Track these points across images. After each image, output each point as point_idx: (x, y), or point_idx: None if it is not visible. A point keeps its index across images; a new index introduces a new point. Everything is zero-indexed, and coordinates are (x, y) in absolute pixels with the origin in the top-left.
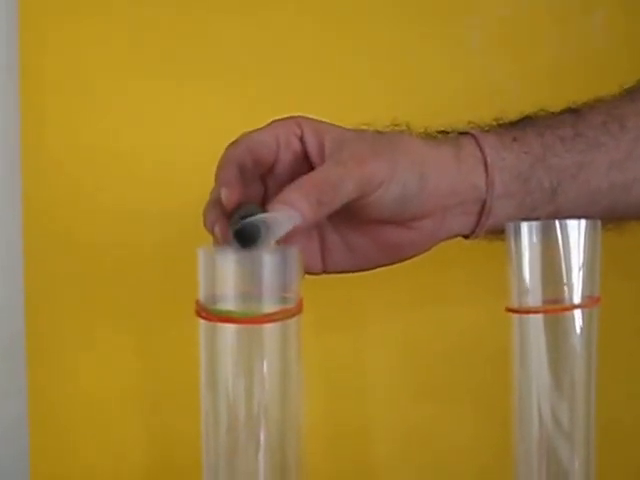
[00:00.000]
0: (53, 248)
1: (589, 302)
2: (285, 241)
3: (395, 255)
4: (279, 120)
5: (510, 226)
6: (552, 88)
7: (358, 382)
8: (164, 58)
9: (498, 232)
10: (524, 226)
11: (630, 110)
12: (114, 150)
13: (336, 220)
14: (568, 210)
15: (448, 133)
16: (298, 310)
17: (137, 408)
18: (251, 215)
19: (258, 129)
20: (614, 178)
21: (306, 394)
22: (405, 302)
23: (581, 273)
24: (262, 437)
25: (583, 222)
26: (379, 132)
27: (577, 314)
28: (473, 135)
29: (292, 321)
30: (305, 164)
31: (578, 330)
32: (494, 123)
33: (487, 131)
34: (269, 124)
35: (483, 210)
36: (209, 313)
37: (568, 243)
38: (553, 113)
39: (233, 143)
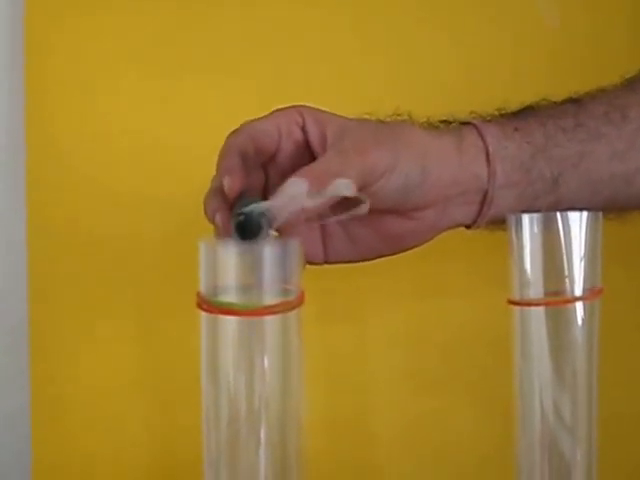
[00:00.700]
0: (55, 241)
1: (591, 294)
2: (286, 231)
3: (396, 245)
4: (281, 109)
5: (511, 218)
6: (553, 78)
7: (359, 374)
8: (166, 51)
9: (499, 222)
10: (525, 218)
11: (632, 100)
12: (116, 143)
13: (337, 210)
14: (569, 200)
15: (450, 123)
16: (299, 302)
17: (138, 400)
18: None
19: (260, 118)
20: (615, 168)
21: (307, 386)
22: (406, 294)
23: (582, 265)
24: (263, 429)
25: (584, 214)
26: (381, 122)
27: (579, 306)
28: (475, 125)
29: (293, 313)
30: (307, 153)
31: (580, 322)
32: (496, 113)
33: (489, 121)
34: (271, 113)
35: (485, 200)
36: (210, 305)
37: (569, 235)
38: (555, 103)
39: (235, 132)
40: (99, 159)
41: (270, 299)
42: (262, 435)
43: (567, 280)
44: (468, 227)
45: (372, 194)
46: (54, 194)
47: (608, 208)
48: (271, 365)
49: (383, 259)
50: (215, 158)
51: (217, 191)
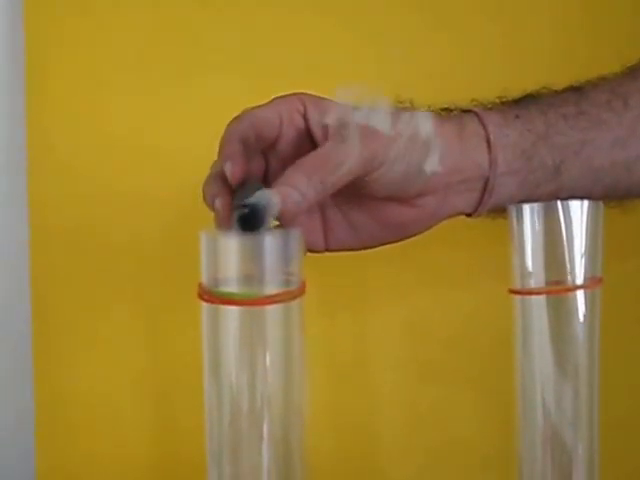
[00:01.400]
0: (57, 241)
1: (591, 283)
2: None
3: (398, 233)
4: (282, 96)
5: (512, 208)
6: (554, 67)
7: (360, 366)
8: (166, 52)
9: (501, 210)
10: (526, 208)
11: (634, 88)
12: (117, 142)
13: (338, 198)
14: (571, 188)
15: (451, 111)
16: (300, 292)
17: (142, 399)
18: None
19: (261, 105)
20: (617, 156)
21: (308, 379)
22: (408, 286)
23: (583, 254)
24: (265, 422)
25: (585, 203)
26: None
27: (579, 295)
28: (476, 113)
29: (295, 303)
30: (307, 140)
31: (581, 311)
32: (497, 101)
33: (490, 109)
34: (272, 100)
35: (486, 188)
36: (211, 295)
37: (570, 224)
38: (556, 91)
39: (236, 118)
40: (100, 158)
41: (271, 289)
42: (265, 428)
43: (568, 269)
44: (469, 215)
45: (373, 181)
46: (55, 193)
47: (609, 196)
48: (273, 356)
49: (384, 250)
50: (214, 156)
51: (217, 176)
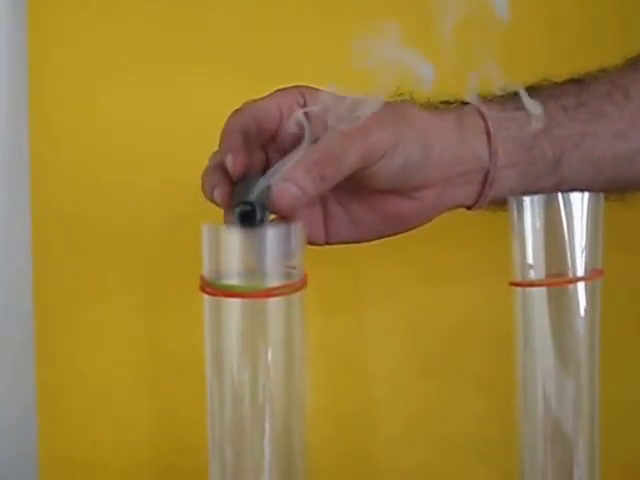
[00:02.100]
0: (59, 236)
1: (592, 275)
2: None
3: (398, 225)
4: (282, 89)
5: (513, 200)
6: (555, 59)
7: (360, 362)
8: (167, 48)
9: (501, 202)
10: (527, 200)
11: (634, 79)
12: (119, 137)
13: (338, 191)
14: (572, 180)
15: (450, 103)
16: (302, 285)
17: (144, 393)
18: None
19: (262, 98)
20: (618, 148)
21: (308, 374)
22: (407, 281)
23: (584, 246)
24: (267, 411)
25: (586, 195)
26: None
27: (580, 287)
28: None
29: (296, 296)
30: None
31: (581, 303)
32: (497, 93)
33: (490, 101)
34: (272, 93)
35: (486, 180)
36: (213, 288)
37: (571, 216)
38: (556, 83)
39: (237, 111)
40: (102, 152)
41: (273, 282)
42: (267, 420)
43: (569, 261)
44: (469, 208)
45: (373, 174)
46: (57, 189)
47: (610, 188)
48: (275, 348)
49: (383, 246)
50: (214, 150)
51: (217, 167)
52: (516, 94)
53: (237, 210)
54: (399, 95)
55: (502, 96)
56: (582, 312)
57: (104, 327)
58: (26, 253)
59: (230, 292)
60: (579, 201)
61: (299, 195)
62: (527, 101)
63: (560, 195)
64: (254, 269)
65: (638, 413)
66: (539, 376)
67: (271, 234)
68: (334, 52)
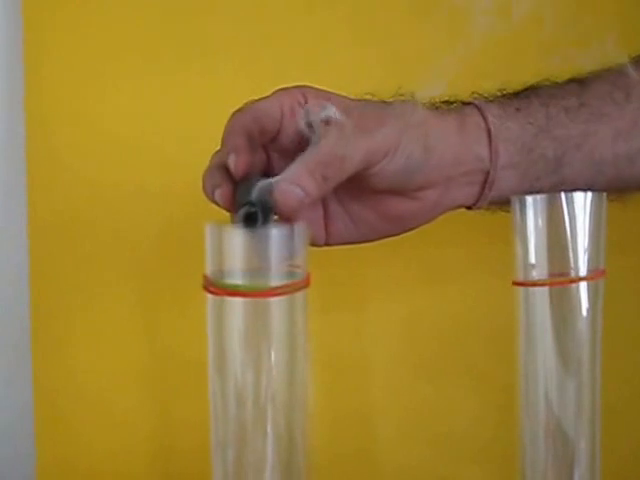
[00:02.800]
0: (57, 233)
1: (594, 275)
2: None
3: (398, 226)
4: (284, 89)
5: (515, 200)
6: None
7: (360, 362)
8: (164, 47)
9: (501, 203)
10: (529, 199)
11: (635, 80)
12: (116, 137)
13: (339, 191)
14: (573, 181)
15: (452, 103)
16: (305, 284)
17: (143, 394)
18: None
19: (263, 98)
20: (619, 148)
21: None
22: (408, 281)
23: (586, 246)
24: (270, 410)
25: (589, 194)
26: (383, 102)
27: (582, 286)
28: (476, 105)
29: (299, 295)
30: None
31: (583, 302)
32: (498, 93)
33: (490, 101)
34: (274, 93)
35: (487, 181)
36: (216, 287)
37: (574, 216)
38: (557, 83)
39: (239, 111)
40: (100, 151)
41: (276, 281)
42: (269, 419)
43: (571, 261)
44: (469, 208)
45: (374, 174)
46: (54, 189)
47: (611, 189)
48: (277, 348)
49: (383, 246)
50: (213, 151)
51: (218, 167)
52: (517, 94)
53: (242, 211)
54: (400, 95)
55: (502, 96)
56: (584, 312)
57: (102, 329)
58: (23, 255)
59: (233, 291)
60: (582, 201)
61: (302, 196)
62: None
63: (563, 195)
64: (257, 268)
65: (639, 412)
66: (541, 375)
67: (275, 233)
68: (335, 49)
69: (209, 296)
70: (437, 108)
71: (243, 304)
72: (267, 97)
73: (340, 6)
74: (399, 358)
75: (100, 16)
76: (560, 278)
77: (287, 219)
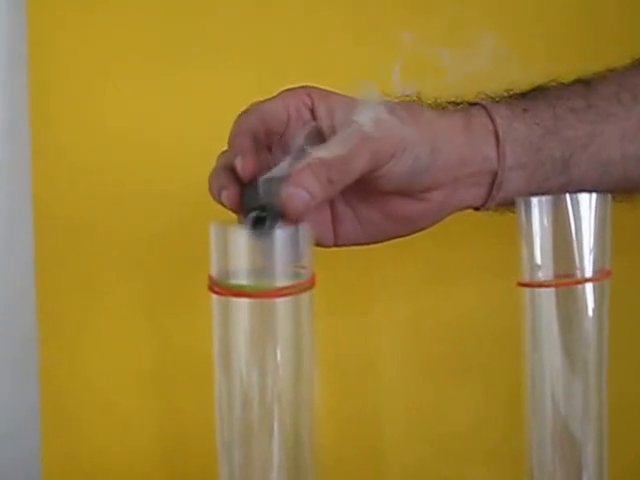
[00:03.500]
0: (62, 233)
1: (600, 276)
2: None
3: (406, 227)
4: (289, 90)
5: (521, 201)
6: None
7: (366, 363)
8: (168, 48)
9: (509, 204)
10: (535, 201)
11: None
12: (121, 137)
13: (346, 192)
14: (580, 181)
15: (458, 104)
16: (311, 284)
17: (148, 390)
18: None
19: (269, 99)
20: (626, 149)
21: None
22: (415, 281)
23: (592, 247)
24: (276, 411)
25: (594, 196)
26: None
27: (588, 288)
28: (483, 106)
29: (305, 295)
30: (315, 135)
31: (589, 303)
32: (505, 94)
33: (497, 102)
34: (279, 94)
35: (494, 182)
36: (222, 288)
37: (579, 217)
38: (564, 84)
39: (245, 112)
40: (105, 151)
41: (282, 281)
42: (275, 419)
43: (577, 262)
44: (477, 209)
45: (381, 176)
46: (59, 190)
47: (618, 189)
48: (283, 348)
49: (390, 246)
50: (217, 150)
51: (225, 168)
52: (524, 95)
53: (252, 215)
54: (406, 96)
55: (509, 97)
56: (590, 312)
57: (108, 330)
58: (28, 256)
59: (239, 292)
60: (587, 202)
61: (308, 200)
62: None
63: (568, 196)
64: (263, 269)
65: None
66: (547, 376)
67: (280, 234)
68: (337, 47)
69: (214, 297)
70: (444, 109)
71: (249, 304)
72: (273, 98)
73: (340, 6)
74: (405, 358)
75: (104, 16)
76: (566, 279)
77: (294, 221)
